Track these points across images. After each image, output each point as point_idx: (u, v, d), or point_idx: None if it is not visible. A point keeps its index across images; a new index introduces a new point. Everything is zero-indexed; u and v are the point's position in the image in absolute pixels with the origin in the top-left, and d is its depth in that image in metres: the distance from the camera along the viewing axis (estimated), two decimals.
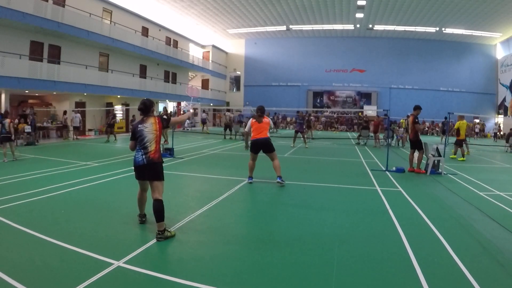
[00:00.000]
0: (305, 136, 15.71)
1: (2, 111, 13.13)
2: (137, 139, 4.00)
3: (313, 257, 3.42)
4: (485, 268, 3.24)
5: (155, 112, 4.26)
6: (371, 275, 3.04)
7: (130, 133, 4.18)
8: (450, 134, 9.22)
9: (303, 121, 15.76)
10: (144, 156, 3.92)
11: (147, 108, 4.11)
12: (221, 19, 30.75)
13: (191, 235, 3.97)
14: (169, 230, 3.93)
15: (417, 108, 8.87)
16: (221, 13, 29.00)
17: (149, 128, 4.00)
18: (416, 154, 8.98)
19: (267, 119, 6.89)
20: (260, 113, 6.82)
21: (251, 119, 6.95)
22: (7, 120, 9.52)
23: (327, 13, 28.64)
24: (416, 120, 8.78)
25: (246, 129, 7.02)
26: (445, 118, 13.79)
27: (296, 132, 14.99)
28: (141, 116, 4.13)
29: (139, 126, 4.02)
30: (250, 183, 6.79)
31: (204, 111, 28.36)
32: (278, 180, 6.67)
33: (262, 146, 6.71)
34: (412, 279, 2.96)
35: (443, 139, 16.12)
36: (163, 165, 4.10)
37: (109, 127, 16.09)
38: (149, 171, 3.94)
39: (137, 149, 4.02)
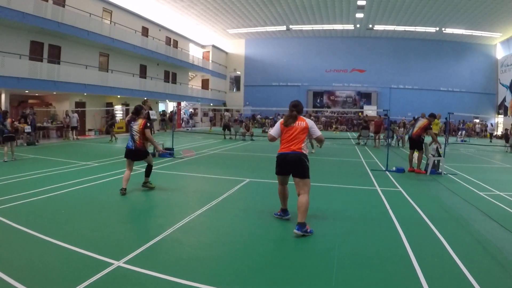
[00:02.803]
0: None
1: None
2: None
3: (313, 257, 3.42)
4: (485, 268, 3.23)
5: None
6: (371, 275, 3.04)
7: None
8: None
9: None
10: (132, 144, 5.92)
11: (137, 112, 6.06)
12: (221, 19, 30.75)
13: (191, 235, 3.97)
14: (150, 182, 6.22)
15: (433, 116, 9.37)
16: (221, 13, 29.00)
17: (135, 126, 5.91)
18: (416, 154, 9.01)
19: (304, 122, 4.23)
20: (295, 110, 4.26)
21: (280, 120, 4.44)
22: (8, 120, 9.62)
23: (327, 13, 28.64)
24: (430, 127, 9.10)
25: (271, 133, 4.41)
26: (446, 118, 13.80)
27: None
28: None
29: (131, 122, 5.99)
30: (284, 217, 4.64)
31: (211, 111, 32.14)
32: (297, 230, 3.96)
33: (290, 166, 4.19)
34: (412, 279, 2.96)
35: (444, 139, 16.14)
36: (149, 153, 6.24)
37: (109, 127, 16.37)
38: (135, 155, 5.98)
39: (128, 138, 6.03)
